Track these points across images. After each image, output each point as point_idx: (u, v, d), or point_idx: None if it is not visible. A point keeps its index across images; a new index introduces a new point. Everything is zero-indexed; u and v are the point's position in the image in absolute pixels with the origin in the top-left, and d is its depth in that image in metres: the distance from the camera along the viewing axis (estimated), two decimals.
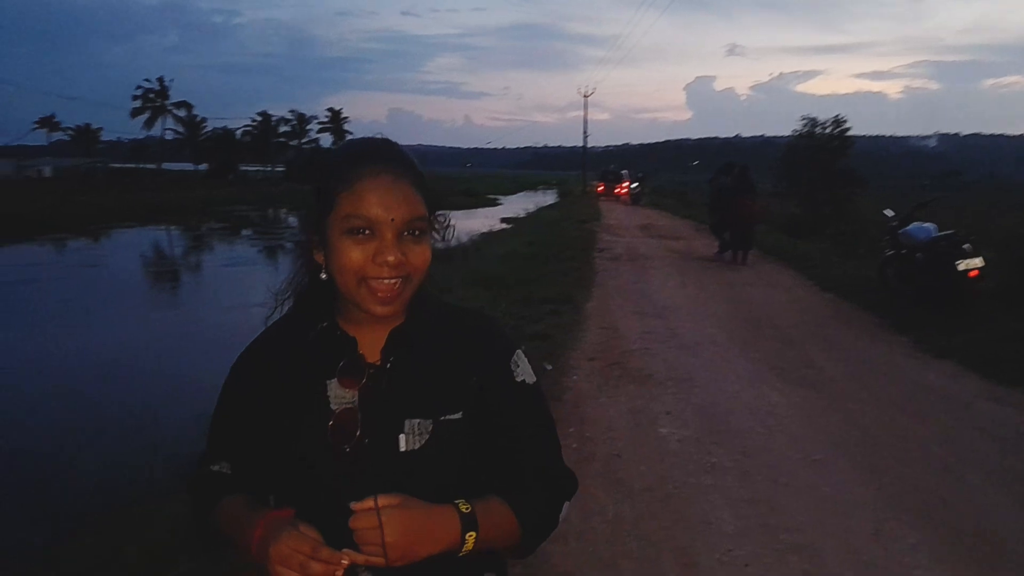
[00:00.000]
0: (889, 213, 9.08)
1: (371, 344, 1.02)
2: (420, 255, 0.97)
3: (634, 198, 34.30)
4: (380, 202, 0.94)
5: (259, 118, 76.58)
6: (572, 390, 5.02)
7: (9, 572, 2.94)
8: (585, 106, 57.06)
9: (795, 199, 19.50)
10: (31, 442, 5.49)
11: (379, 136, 1.04)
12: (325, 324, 1.03)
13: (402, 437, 0.97)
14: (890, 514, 3.28)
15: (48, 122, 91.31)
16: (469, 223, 20.89)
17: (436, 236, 1.04)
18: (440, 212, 1.04)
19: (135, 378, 7.29)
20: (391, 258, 0.93)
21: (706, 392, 5.11)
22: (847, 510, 3.32)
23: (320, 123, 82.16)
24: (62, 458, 4.97)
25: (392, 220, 0.94)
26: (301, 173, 55.49)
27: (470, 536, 0.92)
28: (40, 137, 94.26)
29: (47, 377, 7.56)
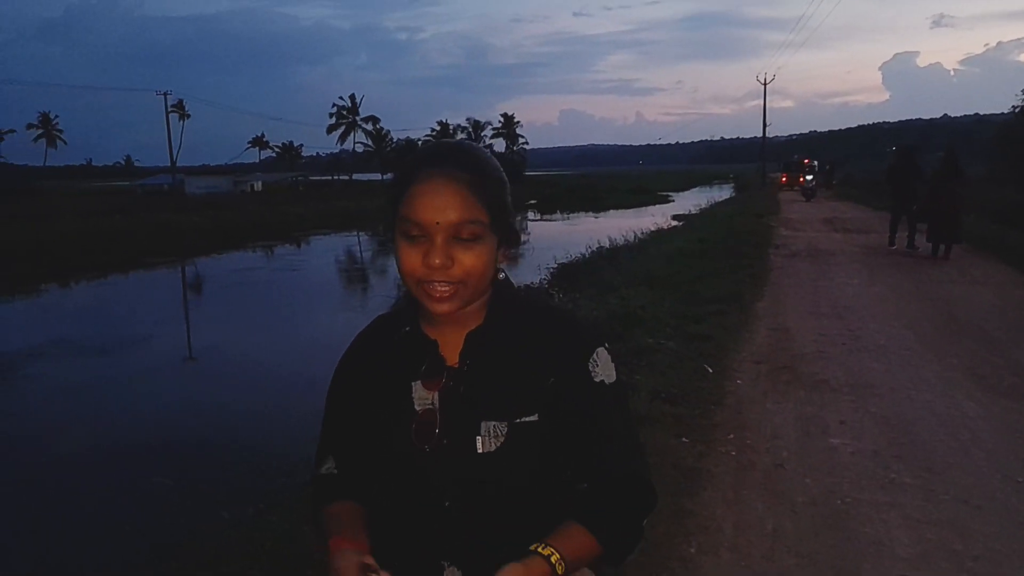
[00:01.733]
0: None
1: (451, 346, 1.04)
2: (471, 259, 0.96)
3: (807, 193, 28.20)
4: (428, 205, 0.94)
5: (437, 127, 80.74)
6: (734, 394, 4.79)
7: (201, 541, 3.36)
8: (764, 94, 53.47)
9: (1015, 183, 17.18)
10: (236, 425, 6.23)
11: (454, 139, 1.06)
12: (408, 328, 1.06)
13: (479, 439, 0.98)
14: None
15: (259, 141, 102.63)
16: (638, 221, 20.63)
17: (522, 237, 1.06)
18: (510, 214, 1.01)
19: (325, 372, 7.98)
20: (436, 261, 0.94)
21: (889, 401, 4.66)
22: None
23: (494, 129, 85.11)
24: (259, 439, 5.59)
25: (438, 224, 0.94)
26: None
27: None
28: (253, 155, 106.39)
29: (255, 367, 8.51)
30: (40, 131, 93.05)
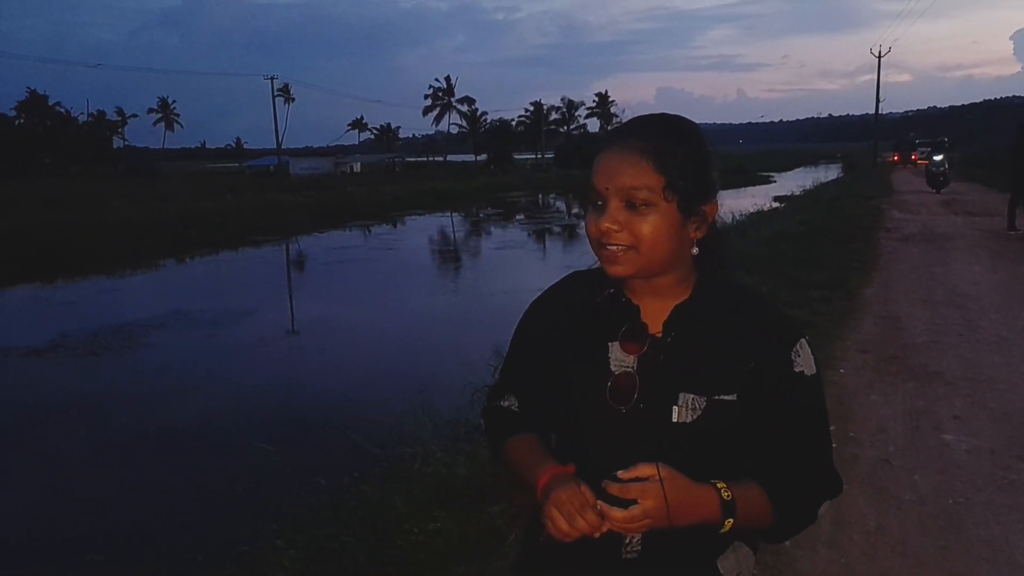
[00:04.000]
0: None
1: (653, 315, 1.06)
2: (643, 226, 0.98)
3: (935, 180, 20.59)
4: (603, 171, 1.00)
5: (531, 108, 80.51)
6: (836, 384, 4.56)
7: (299, 505, 3.52)
8: (879, 68, 49.84)
9: None
10: (334, 397, 6.48)
11: (641, 115, 1.07)
12: (612, 290, 1.09)
13: (675, 408, 1.00)
14: None
15: (358, 124, 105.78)
16: (737, 203, 19.94)
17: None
18: (698, 186, 1.01)
19: (417, 348, 8.19)
20: (604, 224, 0.99)
21: (1011, 396, 4.32)
22: None
23: (588, 108, 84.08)
24: (355, 411, 5.79)
25: (607, 188, 0.99)
26: (569, 158, 58.02)
27: (728, 522, 0.98)
28: (352, 137, 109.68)
29: (354, 342, 8.83)
30: (159, 115, 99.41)
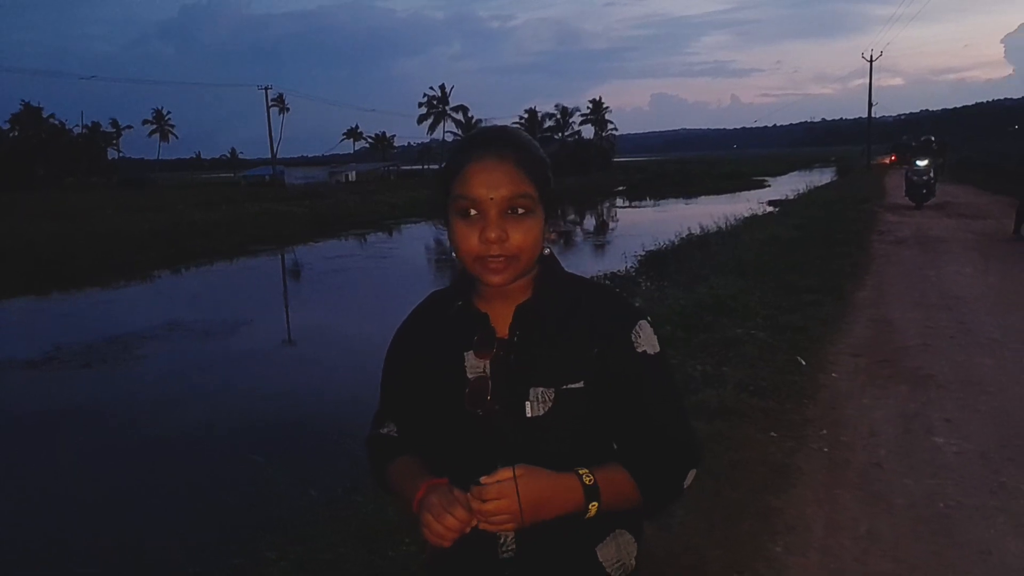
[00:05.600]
0: None
1: (502, 319, 1.10)
2: (523, 233, 1.02)
3: (913, 189, 16.70)
4: (482, 182, 1.01)
5: (526, 115, 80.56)
6: (828, 388, 4.58)
7: (292, 517, 3.51)
8: (870, 72, 50.07)
9: None
10: (328, 407, 6.47)
11: (494, 124, 1.12)
12: (461, 302, 1.13)
13: (528, 404, 1.04)
14: None
15: (353, 133, 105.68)
16: (731, 207, 20.00)
17: (555, 214, 1.10)
18: (553, 190, 1.08)
19: None
20: (492, 235, 1.01)
21: (1002, 399, 4.34)
22: None
23: (582, 115, 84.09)
24: (349, 422, 5.78)
25: (492, 199, 1.01)
26: (564, 165, 58.40)
27: (592, 506, 1.01)
28: (347, 146, 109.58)
29: (349, 351, 8.82)
30: (154, 126, 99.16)
